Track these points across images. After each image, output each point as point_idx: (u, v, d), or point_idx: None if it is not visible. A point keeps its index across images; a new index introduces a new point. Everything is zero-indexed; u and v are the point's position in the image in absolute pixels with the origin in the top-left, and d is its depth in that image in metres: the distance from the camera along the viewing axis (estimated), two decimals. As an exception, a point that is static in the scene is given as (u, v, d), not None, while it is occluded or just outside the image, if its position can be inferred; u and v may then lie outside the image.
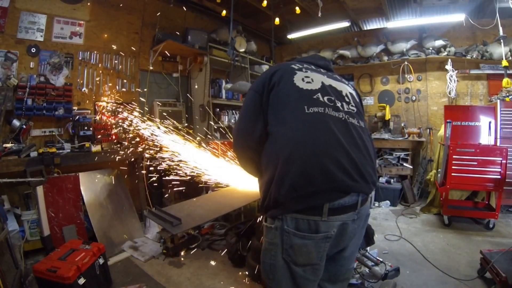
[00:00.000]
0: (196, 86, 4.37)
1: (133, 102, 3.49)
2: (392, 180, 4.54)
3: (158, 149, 2.96)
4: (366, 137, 1.12)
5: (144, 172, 3.41)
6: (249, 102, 1.18)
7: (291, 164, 0.98)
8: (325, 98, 1.09)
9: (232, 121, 4.68)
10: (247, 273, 2.41)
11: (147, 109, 3.66)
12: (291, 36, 5.42)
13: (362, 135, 1.10)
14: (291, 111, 1.06)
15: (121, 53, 3.57)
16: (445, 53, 4.58)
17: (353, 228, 1.08)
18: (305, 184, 0.97)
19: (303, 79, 1.13)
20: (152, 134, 2.96)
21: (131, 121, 3.17)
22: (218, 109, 4.47)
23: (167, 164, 2.84)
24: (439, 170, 3.71)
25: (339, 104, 1.11)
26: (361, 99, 1.30)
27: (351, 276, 1.37)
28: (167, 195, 3.61)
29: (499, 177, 3.17)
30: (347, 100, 1.16)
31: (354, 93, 1.24)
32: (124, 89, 3.60)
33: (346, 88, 1.21)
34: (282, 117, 1.07)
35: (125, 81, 3.62)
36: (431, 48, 4.68)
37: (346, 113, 1.10)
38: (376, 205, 4.34)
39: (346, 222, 1.04)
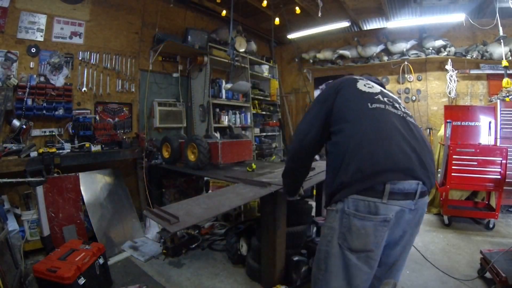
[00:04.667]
0: (196, 86, 4.38)
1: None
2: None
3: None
4: (423, 135, 1.23)
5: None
6: (311, 109, 1.36)
7: (358, 150, 1.09)
8: (385, 98, 1.26)
9: (232, 121, 4.69)
10: (246, 273, 2.42)
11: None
12: (291, 36, 5.41)
13: (420, 132, 1.23)
14: (355, 109, 1.21)
15: (121, 53, 3.57)
16: (445, 53, 4.58)
17: (409, 219, 1.13)
18: (371, 165, 1.07)
19: (364, 85, 1.30)
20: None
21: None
22: (218, 109, 4.47)
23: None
24: (439, 170, 3.70)
25: (396, 105, 1.27)
26: None
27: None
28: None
29: (499, 177, 3.17)
30: (402, 106, 1.32)
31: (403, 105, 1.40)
32: (124, 89, 3.60)
33: (398, 100, 1.37)
34: (347, 115, 1.20)
35: (125, 81, 3.62)
36: (431, 48, 4.68)
37: (403, 112, 1.26)
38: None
39: (404, 209, 1.09)
